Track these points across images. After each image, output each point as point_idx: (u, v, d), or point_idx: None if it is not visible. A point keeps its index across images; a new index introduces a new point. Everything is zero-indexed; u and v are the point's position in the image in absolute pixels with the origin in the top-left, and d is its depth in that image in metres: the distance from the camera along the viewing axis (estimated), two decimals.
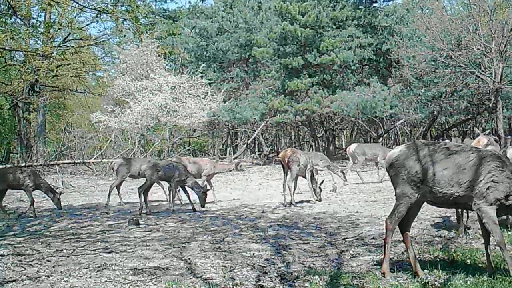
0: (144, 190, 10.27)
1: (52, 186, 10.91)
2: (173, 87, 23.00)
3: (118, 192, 12.16)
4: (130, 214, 10.10)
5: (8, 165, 20.47)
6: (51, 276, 5.02)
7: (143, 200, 10.21)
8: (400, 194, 4.69)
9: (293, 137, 33.88)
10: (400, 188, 4.69)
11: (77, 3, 9.89)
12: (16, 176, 10.20)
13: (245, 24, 25.65)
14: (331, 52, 22.43)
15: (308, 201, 11.17)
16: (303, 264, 5.40)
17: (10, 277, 4.99)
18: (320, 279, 4.67)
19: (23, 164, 19.67)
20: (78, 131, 24.38)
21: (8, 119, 26.60)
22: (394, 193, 4.83)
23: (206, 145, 33.72)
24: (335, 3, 23.98)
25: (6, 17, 12.00)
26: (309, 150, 29.87)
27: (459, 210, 6.78)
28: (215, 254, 5.93)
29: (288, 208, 10.37)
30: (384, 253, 4.77)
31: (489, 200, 4.38)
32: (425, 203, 4.88)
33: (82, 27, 22.64)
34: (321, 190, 11.38)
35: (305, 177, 11.16)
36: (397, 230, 4.91)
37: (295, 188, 11.07)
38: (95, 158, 20.30)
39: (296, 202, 10.80)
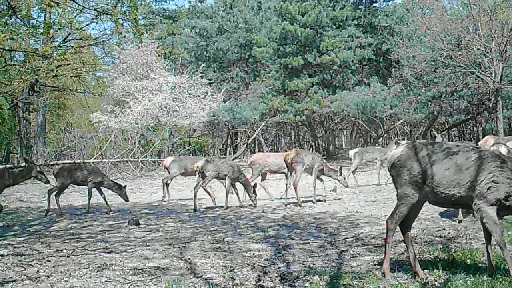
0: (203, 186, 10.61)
1: (117, 182, 11.30)
2: (173, 87, 23.01)
3: (165, 187, 12.51)
4: (130, 214, 10.10)
5: (8, 165, 20.47)
6: (51, 276, 5.02)
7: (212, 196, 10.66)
8: (401, 195, 4.68)
9: (293, 137, 33.89)
10: (401, 188, 4.68)
11: (77, 3, 9.88)
12: (83, 173, 10.53)
13: (245, 24, 25.66)
14: (331, 52, 22.45)
15: (308, 201, 11.16)
16: (303, 264, 5.40)
17: (10, 277, 4.99)
18: (320, 279, 4.67)
19: (23, 164, 19.67)
20: (78, 131, 24.38)
21: (8, 119, 26.57)
22: (393, 193, 4.83)
23: (206, 145, 33.72)
24: (335, 3, 24.01)
25: (6, 17, 12.00)
26: (309, 150, 29.87)
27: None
28: (215, 254, 5.92)
29: (288, 208, 10.37)
30: (385, 253, 4.76)
31: (489, 200, 4.37)
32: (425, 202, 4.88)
33: (82, 27, 22.66)
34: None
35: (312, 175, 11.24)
36: (397, 229, 4.91)
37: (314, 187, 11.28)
38: (95, 158, 20.30)
39: (296, 202, 10.79)
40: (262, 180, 12.61)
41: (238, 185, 11.17)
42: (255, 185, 11.05)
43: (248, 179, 11.26)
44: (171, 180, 13.00)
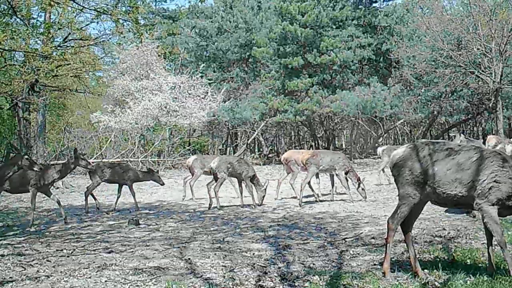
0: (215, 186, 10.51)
1: (147, 170, 11.34)
2: (173, 87, 23.00)
3: (189, 187, 12.48)
4: (130, 214, 10.10)
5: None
6: (51, 276, 5.02)
7: (213, 196, 10.49)
8: (403, 195, 4.67)
9: (293, 137, 33.86)
10: (403, 188, 4.67)
11: (77, 3, 9.85)
12: (118, 171, 10.64)
13: (245, 24, 25.65)
14: (331, 52, 22.43)
15: (308, 202, 11.18)
16: (303, 264, 5.40)
17: (10, 277, 4.99)
18: (320, 279, 4.67)
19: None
20: (78, 131, 24.35)
21: (8, 119, 26.57)
22: (393, 193, 4.83)
23: (206, 145, 33.71)
24: (335, 3, 23.99)
25: (6, 17, 11.98)
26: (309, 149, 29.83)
27: None
28: (215, 254, 5.93)
29: (288, 208, 10.39)
30: (385, 252, 4.76)
31: (490, 200, 4.36)
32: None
33: (82, 27, 22.64)
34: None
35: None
36: (397, 229, 4.91)
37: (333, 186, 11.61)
38: (95, 158, 20.28)
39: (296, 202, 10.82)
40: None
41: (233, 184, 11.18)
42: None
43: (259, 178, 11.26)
44: (195, 181, 12.63)
